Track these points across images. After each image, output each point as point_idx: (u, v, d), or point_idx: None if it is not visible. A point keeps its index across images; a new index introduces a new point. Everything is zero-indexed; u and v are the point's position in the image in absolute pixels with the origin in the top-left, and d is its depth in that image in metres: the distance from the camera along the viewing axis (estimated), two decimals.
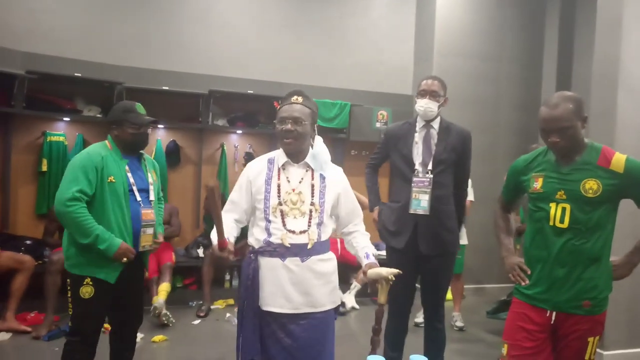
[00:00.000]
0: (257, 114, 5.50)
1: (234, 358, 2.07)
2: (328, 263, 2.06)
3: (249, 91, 5.25)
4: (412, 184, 2.76)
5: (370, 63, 6.00)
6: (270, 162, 2.08)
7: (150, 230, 2.61)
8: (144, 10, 5.19)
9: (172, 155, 5.23)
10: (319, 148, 2.08)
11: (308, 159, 2.06)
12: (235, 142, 5.51)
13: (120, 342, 2.68)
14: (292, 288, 1.96)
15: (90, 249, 2.39)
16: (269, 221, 1.98)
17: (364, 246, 2.11)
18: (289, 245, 1.96)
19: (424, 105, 2.77)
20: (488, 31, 5.99)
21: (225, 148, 5.42)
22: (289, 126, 1.98)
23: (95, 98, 4.88)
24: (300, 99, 2.04)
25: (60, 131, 4.80)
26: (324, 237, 2.04)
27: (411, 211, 2.76)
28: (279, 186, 2.01)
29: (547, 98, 2.01)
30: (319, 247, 2.02)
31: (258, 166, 2.09)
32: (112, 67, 4.90)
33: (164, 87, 4.99)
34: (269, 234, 1.98)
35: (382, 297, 1.95)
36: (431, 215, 2.74)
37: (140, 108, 2.62)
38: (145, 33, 5.17)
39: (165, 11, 5.27)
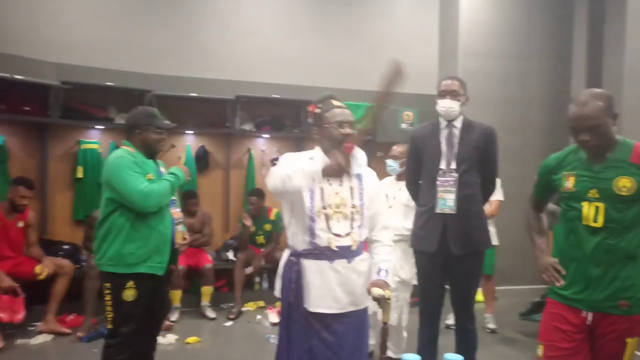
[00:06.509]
0: (284, 118, 5.54)
1: (265, 359, 2.09)
2: (366, 262, 2.10)
3: (274, 95, 5.31)
4: (437, 184, 2.75)
5: None
6: None
7: (180, 228, 2.69)
8: (171, 19, 5.30)
9: (201, 161, 5.34)
10: (358, 151, 2.11)
11: None
12: (262, 146, 5.58)
13: (145, 342, 2.66)
14: (339, 289, 2.00)
15: (146, 237, 2.45)
16: (312, 220, 1.98)
17: (381, 260, 2.10)
18: (336, 249, 1.99)
19: (445, 105, 2.77)
20: (513, 29, 5.90)
21: (252, 152, 5.50)
22: (349, 130, 2.02)
23: (126, 106, 4.97)
24: (341, 103, 2.07)
25: (94, 139, 4.95)
26: (363, 237, 2.09)
27: (437, 211, 2.74)
28: (322, 189, 2.02)
29: (576, 96, 1.98)
30: (360, 248, 2.08)
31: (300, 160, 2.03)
32: (142, 76, 5.02)
33: (192, 94, 5.10)
34: (313, 235, 1.99)
35: (385, 316, 1.94)
36: (459, 215, 2.72)
37: (159, 113, 2.68)
38: (173, 42, 5.28)
39: (192, 20, 5.37)
